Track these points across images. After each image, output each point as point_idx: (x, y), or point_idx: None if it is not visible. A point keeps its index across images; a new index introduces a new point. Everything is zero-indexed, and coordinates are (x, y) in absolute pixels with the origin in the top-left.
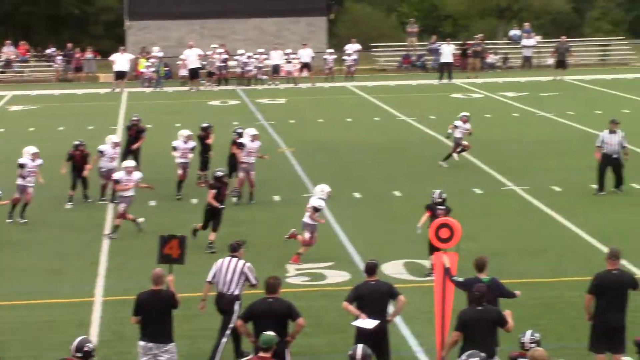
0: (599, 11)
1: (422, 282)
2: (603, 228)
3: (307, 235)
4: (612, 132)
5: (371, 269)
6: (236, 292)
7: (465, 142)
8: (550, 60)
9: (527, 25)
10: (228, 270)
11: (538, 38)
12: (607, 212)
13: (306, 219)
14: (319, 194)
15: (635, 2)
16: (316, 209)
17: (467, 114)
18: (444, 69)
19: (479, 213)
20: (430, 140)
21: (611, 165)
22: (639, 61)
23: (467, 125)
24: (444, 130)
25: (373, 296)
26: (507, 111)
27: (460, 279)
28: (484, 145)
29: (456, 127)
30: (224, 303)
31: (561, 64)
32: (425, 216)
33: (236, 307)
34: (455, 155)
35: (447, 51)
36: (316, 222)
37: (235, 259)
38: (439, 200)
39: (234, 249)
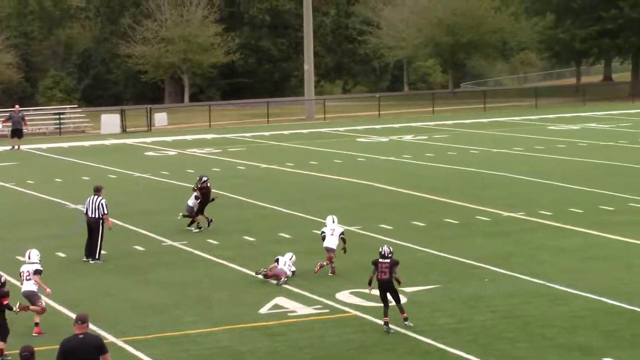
0: (51, 80)
1: None
2: (69, 295)
3: (41, 303)
4: (97, 196)
5: None
6: None
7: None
8: (6, 130)
9: None
10: None
11: None
12: (75, 278)
13: (31, 286)
14: (34, 258)
15: (86, 71)
16: (38, 272)
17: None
18: None
19: None
20: None
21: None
22: (94, 128)
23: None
24: None
25: None
26: None
27: None
28: None
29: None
30: None
31: (17, 133)
32: None
33: None
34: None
35: None
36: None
37: None
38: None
39: None
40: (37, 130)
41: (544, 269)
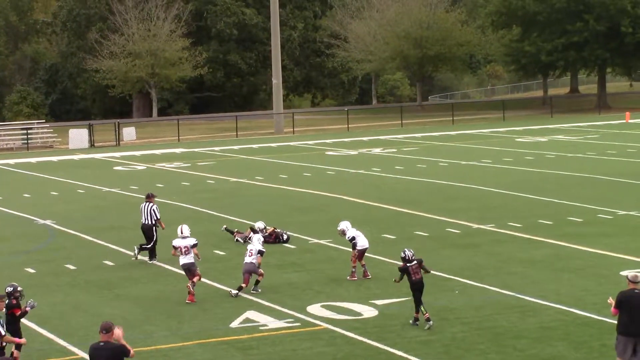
0: (18, 95)
1: None
2: (39, 310)
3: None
4: (149, 203)
5: None
6: None
7: None
8: None
9: None
10: None
11: None
12: (44, 294)
13: (189, 259)
14: (187, 232)
15: (53, 86)
16: (195, 245)
17: None
18: None
19: None
20: None
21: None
22: (62, 143)
23: None
24: None
25: None
26: None
27: None
28: None
29: None
30: None
31: None
32: None
33: None
34: None
35: None
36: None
37: None
38: None
39: None
40: (5, 146)
41: (514, 281)
